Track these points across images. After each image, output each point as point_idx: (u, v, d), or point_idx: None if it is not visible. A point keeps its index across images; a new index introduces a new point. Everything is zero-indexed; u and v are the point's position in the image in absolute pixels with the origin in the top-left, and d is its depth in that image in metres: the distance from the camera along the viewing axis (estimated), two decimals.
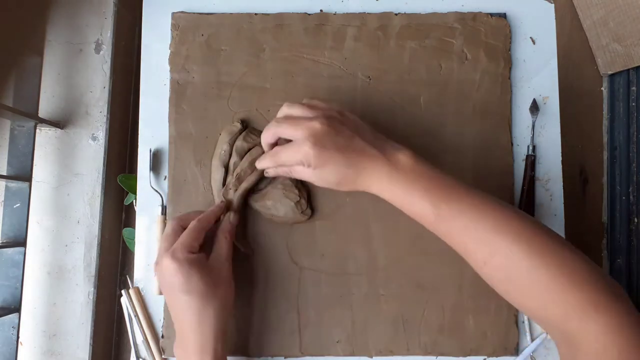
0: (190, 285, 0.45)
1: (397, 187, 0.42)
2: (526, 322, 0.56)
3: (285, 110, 0.48)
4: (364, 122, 0.46)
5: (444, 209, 0.41)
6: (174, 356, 0.55)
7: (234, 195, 0.53)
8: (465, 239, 0.42)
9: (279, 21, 0.59)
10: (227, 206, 0.53)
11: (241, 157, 0.55)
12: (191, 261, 0.46)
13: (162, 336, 0.55)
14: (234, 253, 0.55)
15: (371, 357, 0.55)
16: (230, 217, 0.52)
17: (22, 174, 0.72)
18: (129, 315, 0.56)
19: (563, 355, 0.39)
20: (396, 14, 0.60)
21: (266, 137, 0.49)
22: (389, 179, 0.42)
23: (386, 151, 0.43)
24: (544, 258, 0.38)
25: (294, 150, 0.44)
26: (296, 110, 0.46)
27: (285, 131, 0.45)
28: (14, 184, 0.71)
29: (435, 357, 0.56)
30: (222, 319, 0.47)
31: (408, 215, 0.44)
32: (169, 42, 0.59)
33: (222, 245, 0.50)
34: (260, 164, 0.51)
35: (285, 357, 0.55)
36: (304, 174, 0.46)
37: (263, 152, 0.54)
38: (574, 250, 0.40)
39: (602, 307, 0.36)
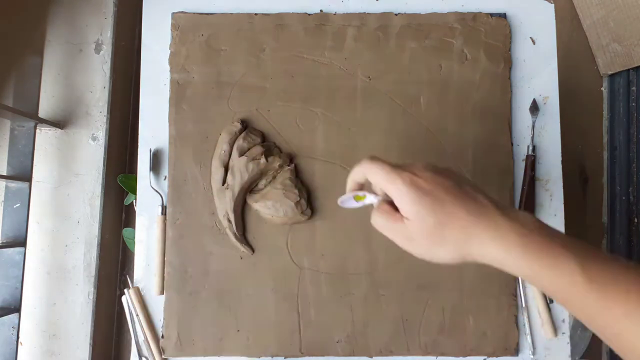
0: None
1: (528, 249, 0.32)
2: (526, 323, 0.56)
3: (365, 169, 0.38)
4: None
5: (595, 270, 0.31)
6: (174, 356, 0.55)
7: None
8: (623, 318, 0.30)
9: (279, 21, 0.59)
10: None
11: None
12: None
13: (162, 336, 0.55)
14: (234, 253, 0.56)
15: (371, 357, 0.55)
16: None
17: (22, 174, 0.72)
18: (131, 314, 0.56)
19: None
20: (396, 14, 0.60)
21: (354, 176, 0.39)
22: (517, 239, 0.32)
23: (499, 205, 0.34)
24: None
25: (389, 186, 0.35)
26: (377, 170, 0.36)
27: (377, 174, 0.36)
28: (14, 184, 0.71)
29: (435, 357, 0.56)
30: None
31: (538, 287, 0.34)
32: (169, 42, 0.59)
33: None
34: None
35: (285, 357, 0.55)
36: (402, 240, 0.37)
37: (262, 152, 0.54)
38: None
39: None
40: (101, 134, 0.78)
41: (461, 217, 0.33)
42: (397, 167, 0.36)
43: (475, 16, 0.60)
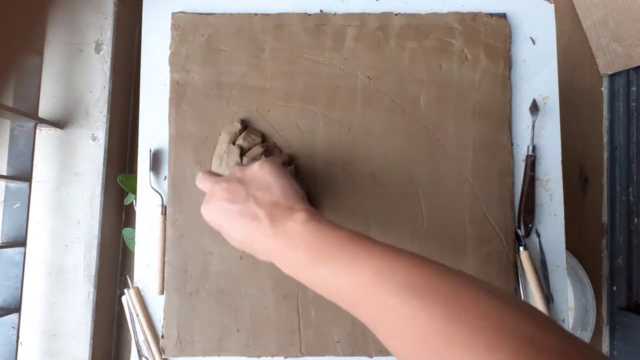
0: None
1: (283, 256, 0.38)
2: None
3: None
4: (278, 176, 0.42)
5: (322, 269, 0.35)
6: (174, 356, 0.55)
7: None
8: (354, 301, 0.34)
9: (279, 21, 0.59)
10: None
11: (241, 157, 0.55)
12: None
13: (162, 336, 0.55)
14: (234, 253, 0.55)
15: (371, 357, 0.55)
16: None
17: (22, 174, 0.72)
18: (131, 314, 0.56)
19: None
20: (396, 14, 0.60)
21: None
22: (275, 248, 0.38)
23: (276, 219, 0.39)
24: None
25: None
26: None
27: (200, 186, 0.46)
28: (14, 184, 0.71)
29: None
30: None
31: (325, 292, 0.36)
32: (169, 42, 0.59)
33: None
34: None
35: (285, 357, 0.55)
36: None
37: (262, 152, 0.54)
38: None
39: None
40: (101, 134, 0.78)
41: (235, 228, 0.41)
42: (215, 175, 0.45)
43: (475, 16, 0.60)
